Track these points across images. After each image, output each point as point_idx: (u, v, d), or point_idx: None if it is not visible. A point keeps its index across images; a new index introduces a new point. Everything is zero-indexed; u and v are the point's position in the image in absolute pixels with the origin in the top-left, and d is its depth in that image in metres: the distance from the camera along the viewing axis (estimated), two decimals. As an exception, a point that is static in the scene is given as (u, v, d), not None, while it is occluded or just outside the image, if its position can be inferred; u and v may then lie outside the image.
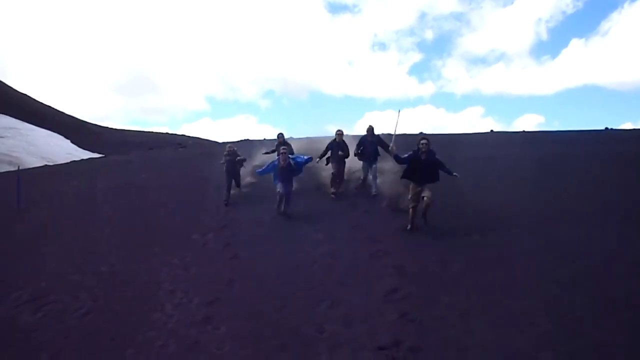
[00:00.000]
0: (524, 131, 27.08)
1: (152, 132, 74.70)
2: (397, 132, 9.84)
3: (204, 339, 6.22)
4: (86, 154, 53.86)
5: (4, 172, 35.93)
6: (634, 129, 26.23)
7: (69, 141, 69.91)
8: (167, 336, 6.40)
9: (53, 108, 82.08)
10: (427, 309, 6.32)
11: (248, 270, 8.40)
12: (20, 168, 21.23)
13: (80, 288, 8.47)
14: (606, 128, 25.33)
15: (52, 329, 6.97)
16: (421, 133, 26.54)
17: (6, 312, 7.71)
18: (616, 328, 5.41)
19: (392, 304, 6.61)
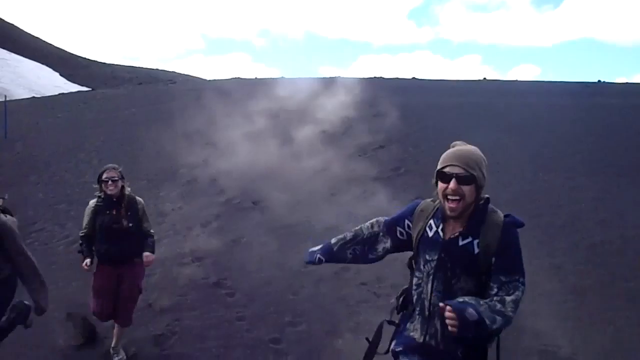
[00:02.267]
0: (517, 80, 26.93)
1: (142, 67, 73.57)
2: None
3: (189, 271, 6.30)
4: (75, 87, 53.08)
5: (-10, 102, 35.44)
6: (626, 83, 26.14)
7: (57, 74, 68.76)
8: (155, 265, 6.47)
9: (42, 40, 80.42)
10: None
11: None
12: (8, 99, 20.91)
13: (67, 217, 8.50)
14: (599, 81, 25.23)
15: (38, 256, 6.98)
16: (413, 78, 26.39)
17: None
18: (593, 271, 5.53)
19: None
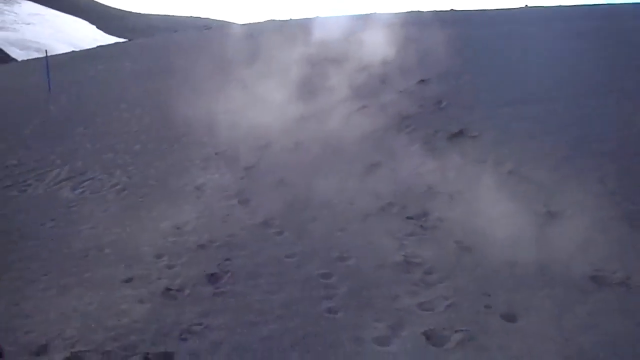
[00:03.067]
0: (560, 6, 25.84)
1: (177, 15, 73.29)
2: None
3: (236, 212, 6.40)
4: (112, 39, 53.43)
5: (32, 59, 36.06)
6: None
7: (94, 27, 69.32)
8: (203, 208, 6.61)
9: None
10: (455, 182, 6.36)
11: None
12: (49, 54, 21.21)
13: (115, 166, 8.69)
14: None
15: (90, 204, 7.23)
16: (452, 9, 25.56)
17: (46, 189, 8.00)
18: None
19: (421, 176, 6.67)
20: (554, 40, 13.59)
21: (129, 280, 4.88)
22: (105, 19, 71.53)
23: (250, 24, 30.64)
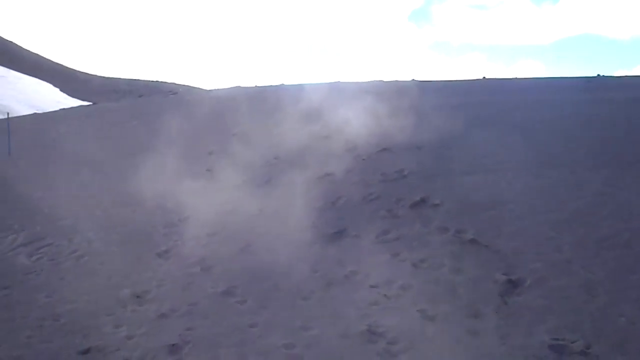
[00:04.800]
0: (517, 78, 26.97)
1: (142, 79, 73.72)
2: None
3: (199, 280, 6.32)
4: (75, 102, 53.28)
5: (-8, 120, 35.59)
6: (625, 76, 26.15)
7: (57, 89, 69.06)
8: (165, 275, 6.50)
9: (41, 56, 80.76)
10: (418, 250, 6.43)
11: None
12: (10, 116, 21.02)
13: (75, 231, 8.53)
14: (598, 75, 25.23)
15: (47, 271, 7.05)
16: (412, 80, 26.42)
17: (2, 255, 7.79)
18: (602, 265, 5.53)
19: (385, 245, 6.73)
20: (512, 111, 14.11)
21: (86, 352, 4.73)
22: (69, 82, 71.45)
23: (216, 89, 31.04)
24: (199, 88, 57.70)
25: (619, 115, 12.64)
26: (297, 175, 9.90)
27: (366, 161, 10.37)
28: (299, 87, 21.99)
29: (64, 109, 35.44)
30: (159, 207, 9.23)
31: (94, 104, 40.01)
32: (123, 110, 25.85)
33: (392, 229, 7.14)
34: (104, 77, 77.85)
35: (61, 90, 68.06)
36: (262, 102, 16.09)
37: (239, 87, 30.35)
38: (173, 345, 4.73)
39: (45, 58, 79.45)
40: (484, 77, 26.69)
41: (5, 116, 20.56)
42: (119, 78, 76.72)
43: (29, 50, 79.46)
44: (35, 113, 35.31)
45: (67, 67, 78.72)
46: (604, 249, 5.91)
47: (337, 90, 18.13)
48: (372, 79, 25.63)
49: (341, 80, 25.99)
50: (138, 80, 74.52)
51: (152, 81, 71.54)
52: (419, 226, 7.10)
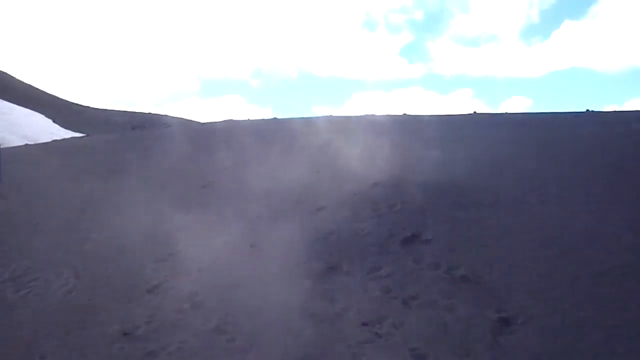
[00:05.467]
0: (507, 113, 27.21)
1: (136, 111, 73.91)
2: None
3: (189, 317, 6.26)
4: (68, 134, 53.28)
5: (-16, 152, 35.44)
6: (615, 111, 26.42)
7: (50, 120, 69.01)
8: (154, 311, 6.42)
9: (34, 87, 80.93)
10: (409, 287, 6.40)
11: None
12: (1, 146, 20.97)
13: (64, 266, 8.45)
14: (587, 110, 25.45)
15: (35, 306, 6.96)
16: (404, 114, 26.63)
17: (-12, 290, 7.68)
18: (595, 304, 5.51)
19: (376, 281, 6.69)
20: (503, 146, 14.21)
21: (71, 392, 4.64)
22: (62, 113, 71.50)
23: (210, 122, 31.16)
24: (193, 121, 57.92)
25: (611, 150, 12.74)
26: (289, 210, 9.90)
27: (358, 195, 10.38)
28: (291, 121, 22.14)
29: (56, 140, 35.41)
30: (150, 241, 9.16)
31: (87, 135, 40.03)
32: (116, 142, 25.86)
33: (383, 265, 7.11)
34: (97, 108, 78.03)
35: (54, 121, 68.06)
36: (255, 135, 16.17)
37: (232, 120, 30.49)
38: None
39: (38, 89, 79.65)
40: (475, 112, 26.92)
41: (-3, 148, 20.51)
42: (113, 110, 76.93)
43: (21, 81, 79.66)
44: (27, 144, 35.25)
45: (60, 98, 78.92)
46: (595, 286, 5.91)
47: (330, 123, 18.26)
48: (364, 113, 25.81)
49: (333, 114, 26.20)
50: (132, 112, 74.71)
51: (146, 113, 71.73)
52: (410, 262, 7.08)
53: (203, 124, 32.87)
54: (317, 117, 22.06)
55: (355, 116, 24.43)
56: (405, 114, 26.56)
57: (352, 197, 10.27)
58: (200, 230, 9.25)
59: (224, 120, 31.09)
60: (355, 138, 13.85)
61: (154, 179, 13.49)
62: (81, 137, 39.19)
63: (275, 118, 27.39)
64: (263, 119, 28.12)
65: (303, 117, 24.20)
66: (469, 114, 26.79)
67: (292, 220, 9.24)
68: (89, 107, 78.43)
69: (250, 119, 30.46)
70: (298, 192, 10.68)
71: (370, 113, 25.75)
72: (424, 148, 14.16)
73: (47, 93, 79.13)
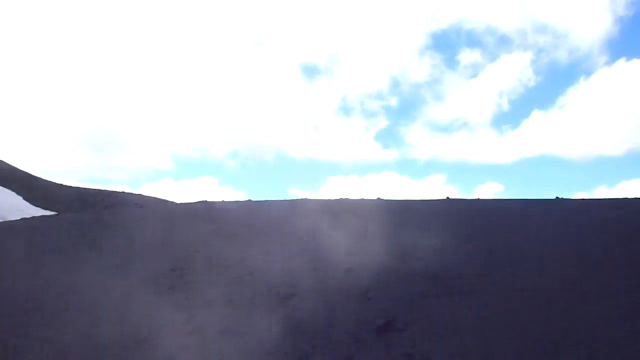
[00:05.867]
0: (479, 199, 27.64)
1: (109, 190, 73.36)
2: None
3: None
4: (38, 211, 52.43)
5: (-51, 228, 34.64)
6: (583, 199, 27.01)
7: (21, 198, 68.06)
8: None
9: (4, 162, 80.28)
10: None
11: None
12: (-32, 224, 20.51)
13: (24, 353, 8.12)
14: (557, 197, 25.99)
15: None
16: (378, 198, 26.89)
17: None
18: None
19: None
20: (477, 233, 14.33)
21: None
22: (33, 190, 70.63)
23: (184, 203, 31.03)
24: (167, 201, 57.65)
25: (580, 239, 12.94)
26: (260, 296, 9.76)
27: (331, 282, 10.30)
28: (266, 204, 22.21)
29: (25, 218, 34.81)
30: (116, 326, 8.90)
31: (57, 214, 39.45)
32: (86, 222, 25.47)
33: (356, 354, 6.99)
34: (69, 186, 77.34)
35: (24, 198, 67.16)
36: (229, 218, 16.12)
37: (207, 201, 30.44)
38: None
39: (7, 164, 78.99)
40: (448, 197, 27.33)
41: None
42: (85, 188, 76.31)
43: (-7, 157, 79.06)
44: (-6, 222, 34.54)
45: (31, 175, 78.20)
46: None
47: (303, 207, 18.32)
48: (339, 196, 26.02)
49: (308, 197, 26.33)
50: (104, 190, 74.16)
51: (119, 192, 71.25)
52: (383, 352, 6.97)
53: (177, 204, 32.73)
54: (292, 200, 22.15)
55: (330, 200, 24.58)
56: (379, 198, 26.85)
57: (325, 284, 10.18)
58: (169, 315, 9.03)
59: (199, 202, 31.04)
60: (329, 223, 13.89)
61: (123, 260, 13.24)
62: (51, 215, 38.55)
63: (249, 200, 27.41)
64: (237, 201, 28.08)
65: (278, 200, 24.28)
66: (442, 200, 27.19)
67: (264, 307, 9.09)
68: (60, 184, 77.76)
69: (225, 200, 30.44)
70: (270, 278, 10.56)
71: (345, 197, 25.96)
72: (398, 234, 14.24)
73: (18, 169, 78.50)
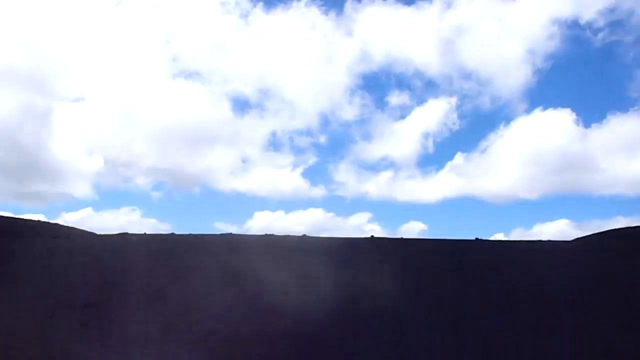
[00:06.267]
0: (402, 238, 28.09)
1: (23, 219, 69.84)
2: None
3: None
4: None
5: None
6: (501, 240, 27.92)
7: None
8: None
9: None
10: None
11: None
12: None
13: None
14: (476, 238, 26.76)
15: None
16: (304, 235, 26.87)
17: None
18: None
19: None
20: (401, 274, 14.49)
21: None
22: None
23: (103, 234, 29.91)
24: (84, 231, 55.42)
25: (494, 279, 13.33)
26: (179, 333, 9.49)
27: (253, 319, 10.15)
28: (189, 238, 21.76)
29: None
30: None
31: (-36, 242, 37.03)
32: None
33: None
34: (-19, 214, 73.21)
35: None
36: (149, 252, 15.65)
37: (128, 232, 29.52)
38: None
39: None
40: (372, 236, 27.64)
41: None
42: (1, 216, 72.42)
43: None
44: None
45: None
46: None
47: (229, 242, 18.07)
48: (265, 232, 25.85)
49: (233, 232, 25.98)
50: (17, 218, 70.67)
51: (34, 221, 68.01)
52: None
53: (97, 235, 31.51)
54: (215, 235, 21.80)
55: (255, 235, 24.36)
56: (305, 235, 26.85)
57: (244, 324, 10.02)
58: (83, 351, 8.63)
59: (119, 233, 30.06)
60: (252, 259, 13.72)
61: (35, 292, 12.58)
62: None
63: (172, 233, 26.79)
64: (160, 234, 27.36)
65: (201, 234, 23.86)
66: (367, 238, 27.47)
67: (182, 345, 8.84)
68: (-29, 211, 73.45)
69: (147, 232, 29.60)
70: (191, 314, 10.29)
71: (270, 233, 25.82)
72: (322, 273, 14.27)
73: None
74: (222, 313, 10.33)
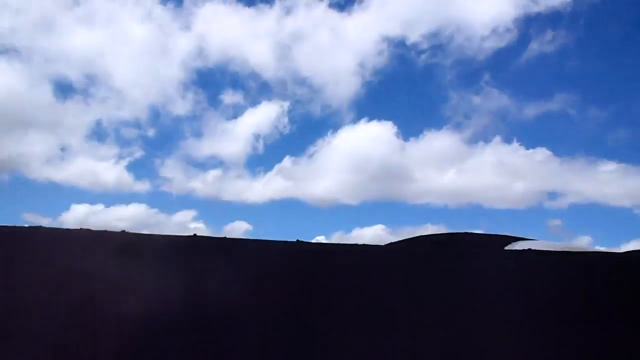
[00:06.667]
0: (226, 238, 28.13)
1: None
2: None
3: None
4: None
5: None
6: (321, 243, 29.11)
7: None
8: None
9: None
10: None
11: None
12: None
13: None
14: (298, 240, 27.65)
15: None
16: (123, 231, 25.78)
17: None
18: None
19: None
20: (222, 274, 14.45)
21: None
22: None
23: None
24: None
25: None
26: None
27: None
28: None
29: None
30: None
31: None
32: None
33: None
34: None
35: None
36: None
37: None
38: None
39: None
40: (195, 235, 27.38)
41: None
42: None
43: None
44: None
45: None
46: None
47: (41, 235, 16.77)
48: (81, 226, 24.43)
49: (45, 224, 24.20)
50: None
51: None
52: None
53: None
54: (24, 227, 20.16)
55: (71, 229, 22.90)
56: (124, 230, 25.83)
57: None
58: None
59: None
60: (65, 256, 12.87)
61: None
62: None
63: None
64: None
65: (9, 226, 21.89)
66: (190, 236, 27.10)
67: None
68: None
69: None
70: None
71: (87, 227, 24.48)
72: (144, 273, 13.85)
73: None
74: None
